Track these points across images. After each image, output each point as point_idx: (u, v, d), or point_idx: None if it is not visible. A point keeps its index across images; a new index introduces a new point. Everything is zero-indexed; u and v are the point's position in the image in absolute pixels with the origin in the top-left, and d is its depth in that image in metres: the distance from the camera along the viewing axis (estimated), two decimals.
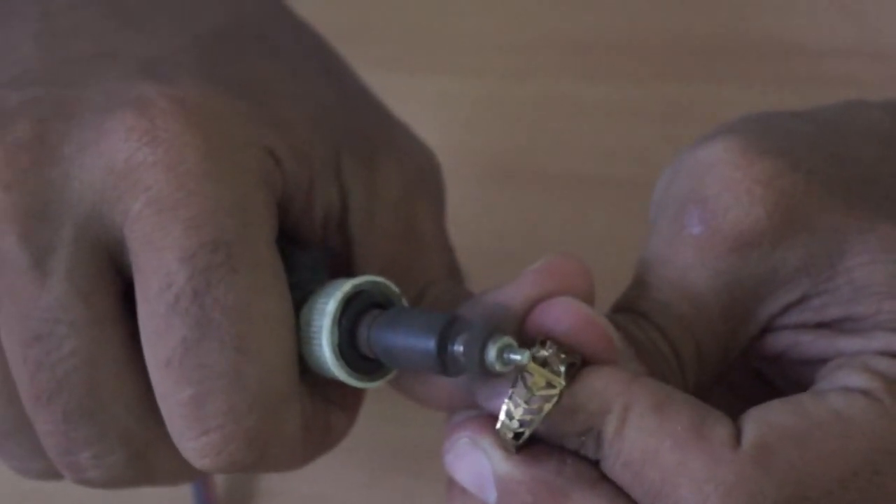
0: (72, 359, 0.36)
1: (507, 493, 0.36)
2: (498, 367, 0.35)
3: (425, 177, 0.42)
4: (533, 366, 0.36)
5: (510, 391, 0.35)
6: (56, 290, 0.36)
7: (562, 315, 0.36)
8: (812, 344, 0.38)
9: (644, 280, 0.39)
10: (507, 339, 0.35)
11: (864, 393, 0.36)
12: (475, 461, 0.37)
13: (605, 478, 0.36)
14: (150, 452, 0.38)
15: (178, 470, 0.39)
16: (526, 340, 0.37)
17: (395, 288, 0.38)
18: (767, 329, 0.39)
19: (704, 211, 0.38)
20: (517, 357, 0.35)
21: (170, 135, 0.36)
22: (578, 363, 0.36)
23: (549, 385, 0.35)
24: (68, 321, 0.36)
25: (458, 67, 0.60)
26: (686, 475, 0.35)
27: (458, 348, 0.35)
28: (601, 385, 0.36)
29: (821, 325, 0.38)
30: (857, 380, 0.36)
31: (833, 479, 0.35)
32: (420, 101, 0.58)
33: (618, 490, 0.36)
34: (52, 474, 0.39)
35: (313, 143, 0.39)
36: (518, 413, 0.36)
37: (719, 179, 0.38)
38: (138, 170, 0.36)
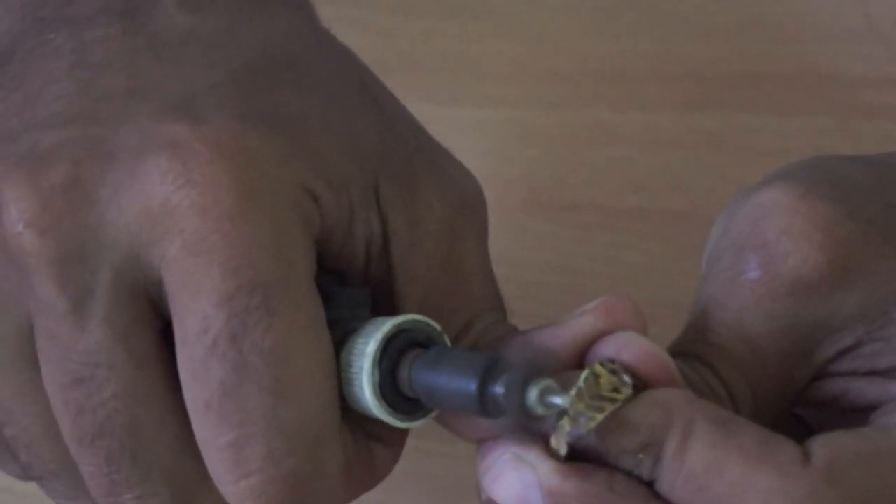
0: (113, 402, 0.37)
1: None
2: (539, 410, 0.35)
3: (469, 204, 0.41)
4: (602, 370, 0.36)
5: (576, 388, 0.35)
6: (95, 333, 0.36)
7: (624, 347, 0.37)
8: (863, 390, 0.39)
9: (700, 324, 0.39)
10: (549, 382, 0.35)
11: None
12: (520, 477, 0.37)
13: (657, 497, 0.36)
14: (193, 493, 0.38)
15: None
16: (589, 363, 0.37)
17: (436, 326, 0.38)
18: (817, 376, 0.39)
19: (763, 255, 0.38)
20: (558, 401, 0.35)
21: (203, 178, 0.36)
22: (641, 387, 0.36)
23: (615, 390, 0.36)
24: (108, 364, 0.36)
25: (494, 97, 0.60)
26: (754, 487, 0.35)
27: (499, 390, 0.35)
28: (665, 399, 0.36)
29: (873, 373, 0.39)
30: None
31: None
32: (456, 130, 0.58)
33: None
34: None
35: (350, 173, 0.39)
36: (580, 408, 0.35)
37: (778, 224, 0.38)
38: (173, 213, 0.36)
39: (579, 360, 0.38)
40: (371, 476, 0.39)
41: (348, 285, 0.39)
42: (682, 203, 0.56)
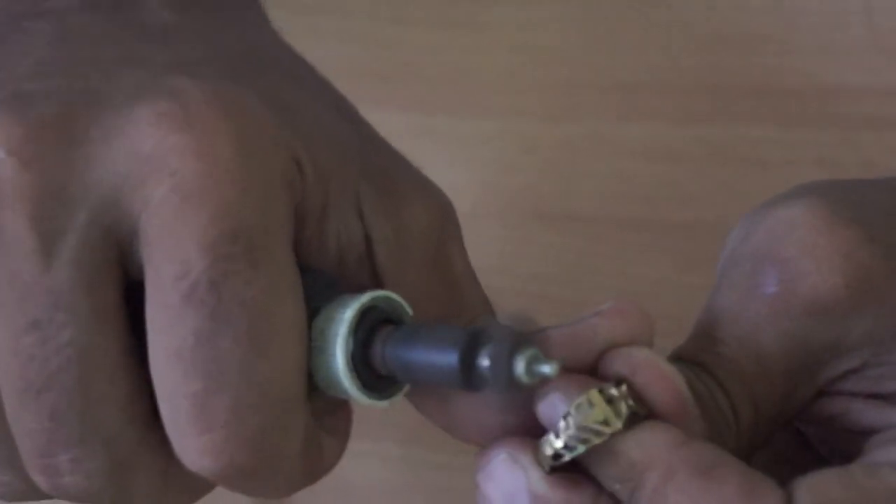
0: (67, 349, 0.35)
1: None
2: (526, 380, 0.34)
3: (448, 211, 0.41)
4: (598, 398, 0.36)
5: (567, 410, 0.36)
6: (60, 275, 0.35)
7: (640, 368, 0.36)
8: (863, 413, 0.39)
9: (709, 333, 0.39)
10: (535, 351, 0.34)
11: None
12: (511, 477, 0.37)
13: None
14: (132, 464, 0.37)
15: (158, 492, 0.37)
16: (602, 380, 0.37)
17: (407, 307, 0.38)
18: (821, 393, 0.39)
19: (783, 272, 0.38)
20: (546, 369, 0.34)
21: (203, 123, 0.35)
22: (643, 415, 0.36)
23: (605, 423, 0.36)
24: (69, 309, 0.35)
25: (497, 108, 0.60)
26: None
27: (484, 362, 0.34)
28: (651, 440, 0.36)
29: (875, 396, 0.38)
30: None
31: None
32: (459, 142, 0.58)
33: None
34: (14, 492, 0.38)
35: (333, 166, 0.38)
36: (566, 435, 0.36)
37: (800, 242, 0.38)
38: (167, 155, 0.35)
39: (591, 362, 0.37)
40: (321, 464, 0.38)
41: (318, 269, 0.39)
42: (686, 215, 0.56)
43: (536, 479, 0.36)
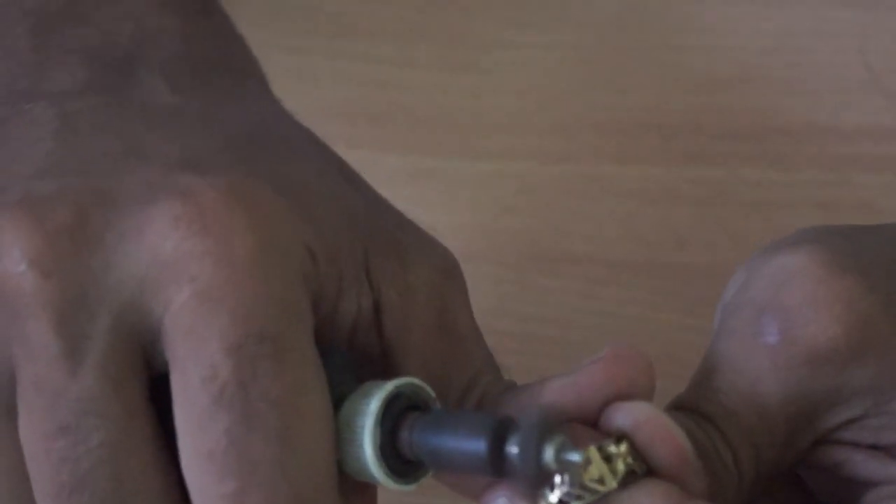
0: (99, 451, 0.36)
1: None
2: (554, 467, 0.35)
3: (453, 270, 0.41)
4: (596, 456, 0.36)
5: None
6: (87, 379, 0.36)
7: (641, 422, 0.36)
8: (863, 464, 0.38)
9: (710, 382, 0.39)
10: (563, 438, 0.35)
11: None
12: None
13: None
14: None
15: None
16: (602, 432, 0.37)
17: (430, 392, 0.38)
18: (821, 441, 0.39)
19: (784, 321, 0.38)
20: (574, 457, 0.35)
21: (219, 225, 0.36)
22: (641, 473, 0.36)
23: (601, 481, 0.36)
24: (98, 413, 0.36)
25: (495, 150, 0.60)
26: None
27: (513, 449, 0.35)
28: (648, 501, 0.36)
29: (875, 447, 0.38)
30: None
31: None
32: (456, 183, 0.58)
33: None
34: None
35: (342, 244, 0.39)
36: (562, 489, 0.36)
37: (801, 291, 0.38)
38: (185, 259, 0.35)
39: (592, 411, 0.38)
40: None
41: (336, 352, 0.39)
42: (683, 256, 0.56)
43: None
